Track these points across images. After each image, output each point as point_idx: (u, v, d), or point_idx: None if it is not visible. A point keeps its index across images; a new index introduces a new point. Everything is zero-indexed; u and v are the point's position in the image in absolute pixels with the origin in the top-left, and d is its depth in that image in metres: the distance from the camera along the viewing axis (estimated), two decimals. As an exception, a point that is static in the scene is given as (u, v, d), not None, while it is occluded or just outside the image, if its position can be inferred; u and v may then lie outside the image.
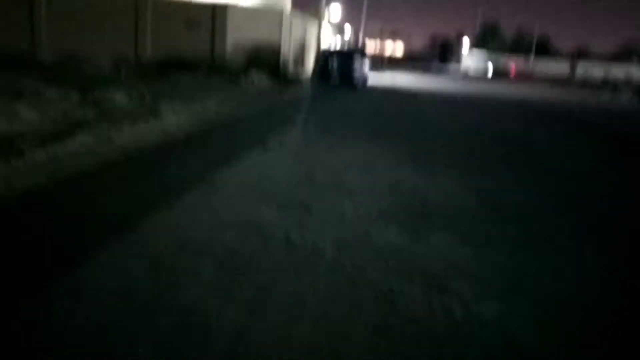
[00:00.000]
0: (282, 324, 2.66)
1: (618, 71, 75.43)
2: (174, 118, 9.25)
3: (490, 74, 63.87)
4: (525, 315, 2.95)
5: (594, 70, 76.59)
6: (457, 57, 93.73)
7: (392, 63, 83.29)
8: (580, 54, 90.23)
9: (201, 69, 18.31)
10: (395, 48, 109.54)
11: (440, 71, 68.53)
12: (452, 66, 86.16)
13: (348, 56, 18.52)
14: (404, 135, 9.70)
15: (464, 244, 4.07)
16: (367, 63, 25.73)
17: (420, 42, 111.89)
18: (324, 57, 18.62)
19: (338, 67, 17.89)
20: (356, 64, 18.90)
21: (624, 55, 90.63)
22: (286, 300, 2.93)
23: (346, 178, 5.91)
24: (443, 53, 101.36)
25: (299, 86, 19.05)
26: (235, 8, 19.83)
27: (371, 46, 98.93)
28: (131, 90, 11.33)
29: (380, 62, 52.69)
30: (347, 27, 63.22)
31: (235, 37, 19.57)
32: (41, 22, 19.60)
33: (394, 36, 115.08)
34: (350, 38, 58.20)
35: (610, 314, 3.10)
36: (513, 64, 70.15)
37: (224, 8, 19.46)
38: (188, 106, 10.59)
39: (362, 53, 24.52)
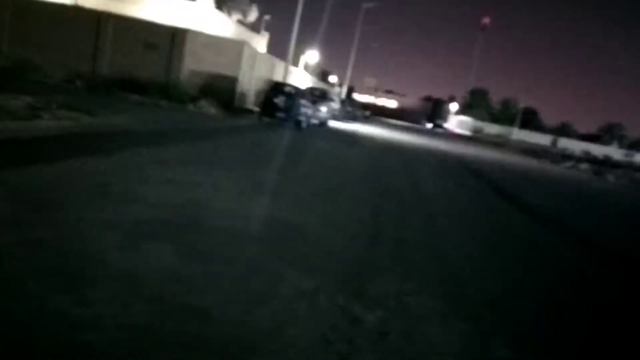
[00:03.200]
0: None
1: (595, 149, 77.29)
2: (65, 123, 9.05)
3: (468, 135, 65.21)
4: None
5: (573, 145, 78.35)
6: (445, 117, 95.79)
7: (383, 114, 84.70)
8: (563, 131, 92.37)
9: (152, 91, 18.29)
10: (388, 103, 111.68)
11: (425, 128, 69.52)
12: (439, 124, 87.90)
13: (297, 94, 18.17)
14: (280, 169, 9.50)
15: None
16: (329, 106, 25.92)
17: (414, 101, 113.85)
18: (271, 90, 18.22)
19: (284, 103, 17.53)
20: (304, 103, 18.53)
21: (604, 135, 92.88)
22: None
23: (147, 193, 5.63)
24: (433, 112, 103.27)
25: (244, 117, 18.95)
26: (195, 33, 19.98)
27: (365, 99, 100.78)
28: (45, 97, 11.22)
29: (363, 112, 53.16)
30: (333, 77, 64.85)
31: (193, 63, 19.65)
32: (4, 31, 19.70)
33: (388, 94, 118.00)
34: (336, 86, 59.23)
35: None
36: (450, 128, 75.36)
37: (184, 32, 19.62)
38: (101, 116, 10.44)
39: (323, 95, 24.68)
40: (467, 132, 74.17)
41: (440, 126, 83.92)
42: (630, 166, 50.26)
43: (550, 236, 8.12)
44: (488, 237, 7.05)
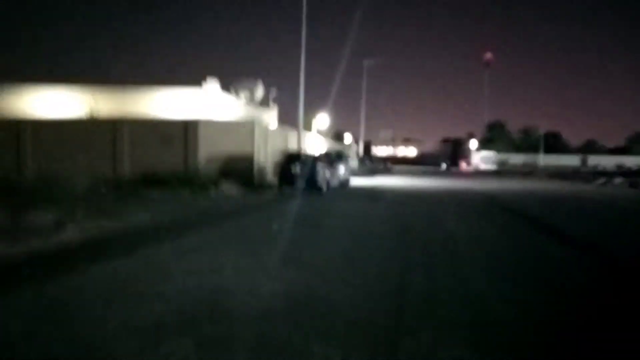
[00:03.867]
0: None
1: (629, 161, 75.32)
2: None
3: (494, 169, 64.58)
4: None
5: (604, 161, 76.54)
6: (468, 156, 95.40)
7: (404, 163, 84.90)
8: (589, 148, 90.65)
9: (172, 183, 18.75)
10: (408, 152, 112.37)
11: (449, 170, 69.03)
12: (462, 164, 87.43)
13: (312, 160, 18.39)
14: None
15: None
16: (347, 165, 26.11)
17: (433, 144, 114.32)
18: (286, 161, 18.51)
19: (301, 171, 17.74)
20: (320, 167, 18.67)
21: (634, 145, 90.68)
22: None
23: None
24: (454, 153, 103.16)
25: (265, 192, 19.15)
26: (206, 122, 20.69)
27: (383, 151, 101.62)
28: (71, 208, 11.62)
29: (384, 165, 53.44)
30: (348, 136, 65.71)
31: (208, 150, 20.19)
32: (27, 148, 20.73)
33: (406, 142, 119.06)
34: (352, 143, 59.90)
35: None
36: (462, 162, 74.28)
37: (195, 123, 20.34)
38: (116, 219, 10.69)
39: (339, 156, 24.87)
40: (492, 167, 73.28)
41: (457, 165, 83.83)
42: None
43: (593, 270, 7.74)
44: (517, 280, 6.75)
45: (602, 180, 33.24)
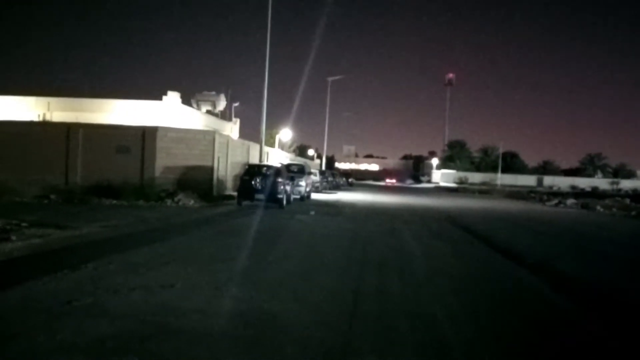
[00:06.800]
0: None
1: (581, 182, 78.17)
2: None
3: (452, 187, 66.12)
4: None
5: (558, 182, 79.27)
6: (429, 173, 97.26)
7: (366, 179, 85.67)
8: (545, 169, 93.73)
9: (127, 193, 18.23)
10: (370, 167, 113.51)
11: (410, 186, 69.89)
12: (424, 181, 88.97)
13: (273, 173, 18.14)
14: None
15: None
16: (309, 179, 26.03)
17: (394, 162, 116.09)
18: (247, 173, 18.20)
19: (261, 183, 17.44)
20: (281, 180, 18.41)
21: (587, 167, 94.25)
22: None
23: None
24: (415, 170, 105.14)
25: (223, 204, 18.83)
26: (165, 129, 20.23)
27: (346, 167, 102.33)
28: (17, 218, 11.09)
29: (346, 180, 53.66)
30: (311, 150, 65.97)
31: (166, 159, 19.74)
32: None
33: (369, 159, 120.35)
34: (314, 158, 60.06)
35: None
36: (389, 179, 77.59)
37: (153, 129, 19.84)
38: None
39: (301, 170, 24.78)
40: (451, 184, 74.73)
41: (421, 182, 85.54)
42: (617, 194, 50.73)
43: (535, 281, 7.86)
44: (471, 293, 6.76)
45: (555, 201, 34.24)
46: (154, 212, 15.18)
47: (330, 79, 50.12)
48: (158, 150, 19.68)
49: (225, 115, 41.13)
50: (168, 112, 29.15)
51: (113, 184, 18.50)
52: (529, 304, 6.44)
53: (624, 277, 9.01)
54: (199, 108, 37.57)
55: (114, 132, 20.22)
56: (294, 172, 23.79)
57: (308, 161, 47.20)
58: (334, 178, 43.29)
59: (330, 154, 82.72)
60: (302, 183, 23.09)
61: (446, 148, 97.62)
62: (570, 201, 32.86)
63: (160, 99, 30.99)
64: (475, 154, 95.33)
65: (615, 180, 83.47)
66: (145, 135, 19.71)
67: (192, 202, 18.21)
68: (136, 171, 19.46)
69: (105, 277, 6.53)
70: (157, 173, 19.58)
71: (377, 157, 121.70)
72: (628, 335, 5.40)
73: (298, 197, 22.00)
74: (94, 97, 30.90)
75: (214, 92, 39.31)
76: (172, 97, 31.30)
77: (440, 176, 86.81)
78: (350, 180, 56.69)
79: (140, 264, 7.43)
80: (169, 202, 17.98)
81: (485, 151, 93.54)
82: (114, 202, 17.53)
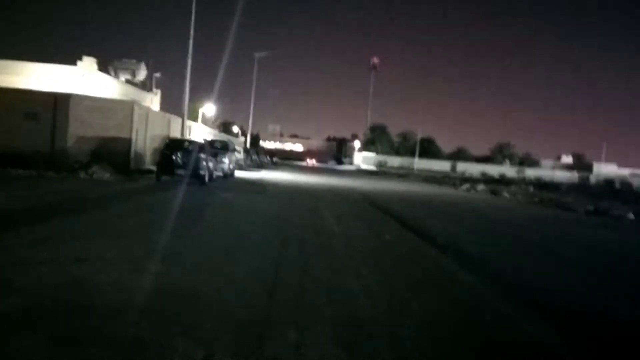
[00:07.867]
0: None
1: (491, 169, 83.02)
2: None
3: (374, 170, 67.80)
4: None
5: (471, 168, 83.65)
6: (351, 155, 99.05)
7: (290, 158, 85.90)
8: (459, 155, 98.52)
9: (37, 163, 17.09)
10: (295, 147, 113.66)
11: (332, 168, 70.91)
12: (346, 162, 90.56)
13: (195, 148, 17.65)
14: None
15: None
16: (233, 157, 25.71)
17: (318, 143, 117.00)
18: (167, 147, 17.59)
19: (182, 159, 16.96)
20: (203, 156, 18.00)
21: (496, 155, 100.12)
22: None
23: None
24: (338, 151, 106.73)
25: (142, 179, 18.18)
26: (79, 97, 19.09)
27: (271, 145, 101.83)
28: None
29: (271, 159, 53.49)
30: (236, 128, 64.95)
31: (79, 129, 18.65)
32: None
33: (294, 138, 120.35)
34: (239, 136, 59.19)
35: None
36: (309, 159, 79.66)
37: (66, 97, 18.66)
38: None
39: (224, 147, 24.40)
40: (372, 167, 76.73)
41: (343, 163, 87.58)
42: (522, 182, 54.49)
43: (446, 260, 8.35)
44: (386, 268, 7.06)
45: (466, 186, 36.17)
46: (65, 184, 14.39)
47: (257, 54, 49.42)
48: (71, 118, 18.55)
49: (145, 86, 39.37)
50: (82, 79, 27.48)
51: (22, 152, 17.25)
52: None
53: (511, 252, 9.85)
54: (117, 76, 35.70)
55: (22, 96, 18.80)
56: (217, 149, 23.35)
57: (232, 138, 46.47)
58: (258, 156, 43.00)
59: (255, 132, 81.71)
60: (226, 160, 22.74)
61: (368, 131, 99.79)
62: (480, 187, 34.83)
63: (75, 63, 29.13)
64: (396, 139, 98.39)
65: (521, 168, 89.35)
66: (57, 103, 18.49)
67: (107, 175, 17.42)
68: (47, 140, 18.26)
69: (11, 250, 6.15)
70: (70, 143, 18.48)
71: (302, 138, 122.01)
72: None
73: (221, 174, 21.65)
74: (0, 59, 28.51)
75: (134, 60, 37.48)
76: (88, 63, 29.51)
77: (362, 159, 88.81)
78: (274, 159, 56.59)
79: (50, 237, 7.05)
80: (82, 174, 17.09)
81: (404, 136, 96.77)
82: (22, 171, 16.40)
